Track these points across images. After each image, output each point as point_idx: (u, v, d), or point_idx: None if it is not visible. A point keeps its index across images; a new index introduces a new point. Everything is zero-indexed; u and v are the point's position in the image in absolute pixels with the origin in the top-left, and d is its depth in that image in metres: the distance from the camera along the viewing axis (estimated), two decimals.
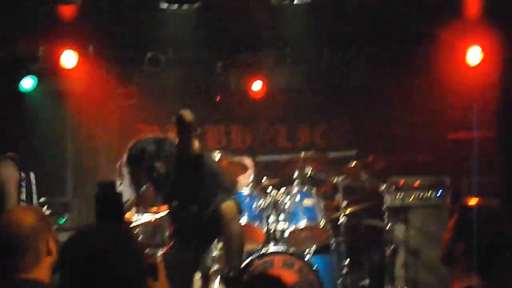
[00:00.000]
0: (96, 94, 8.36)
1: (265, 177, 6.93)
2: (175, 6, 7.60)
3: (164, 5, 7.58)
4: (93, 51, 8.13)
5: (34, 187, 5.72)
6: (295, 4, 6.91)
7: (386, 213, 7.13)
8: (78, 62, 7.91)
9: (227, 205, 5.14)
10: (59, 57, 7.86)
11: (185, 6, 7.59)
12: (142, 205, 6.49)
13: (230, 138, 9.11)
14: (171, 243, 5.32)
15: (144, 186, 6.06)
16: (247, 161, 7.29)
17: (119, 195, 2.37)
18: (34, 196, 5.70)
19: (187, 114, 4.62)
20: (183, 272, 5.21)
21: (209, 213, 5.15)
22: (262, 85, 8.69)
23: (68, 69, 7.92)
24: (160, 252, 5.89)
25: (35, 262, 2.81)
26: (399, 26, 7.92)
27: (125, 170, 5.02)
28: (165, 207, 5.67)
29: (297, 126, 9.21)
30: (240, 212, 5.34)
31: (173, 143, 4.97)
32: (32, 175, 5.71)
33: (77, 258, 2.08)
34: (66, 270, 2.10)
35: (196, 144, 4.85)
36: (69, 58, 7.89)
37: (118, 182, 7.31)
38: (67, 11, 7.49)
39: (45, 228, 2.89)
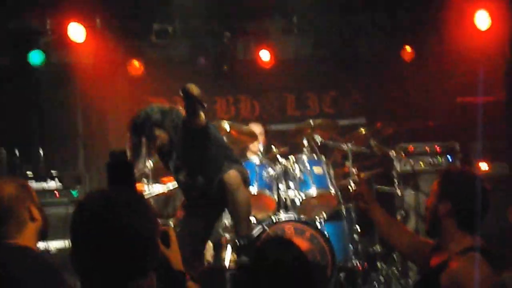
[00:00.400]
0: (104, 67, 8.40)
1: (273, 146, 6.98)
2: None
3: None
4: (100, 24, 8.16)
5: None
6: None
7: (396, 179, 7.14)
8: (86, 36, 7.95)
9: (231, 175, 5.15)
10: (67, 30, 7.89)
11: None
12: (153, 175, 6.63)
13: (238, 108, 9.16)
14: (181, 213, 5.39)
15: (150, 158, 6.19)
16: (257, 128, 7.36)
17: (130, 164, 2.39)
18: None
19: (193, 87, 4.60)
20: (194, 241, 5.27)
21: (216, 184, 5.17)
22: (270, 55, 8.70)
23: (76, 43, 7.97)
24: (171, 222, 5.99)
25: (19, 229, 2.96)
26: None
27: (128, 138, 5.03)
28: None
29: (305, 95, 9.23)
30: (245, 181, 5.31)
31: (179, 114, 5.01)
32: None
33: (90, 217, 2.10)
34: (77, 232, 2.13)
35: (202, 116, 4.88)
36: (76, 31, 7.89)
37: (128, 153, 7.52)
38: None
39: (26, 196, 3.02)
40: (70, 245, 2.14)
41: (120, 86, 8.70)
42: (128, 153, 4.95)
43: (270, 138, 7.83)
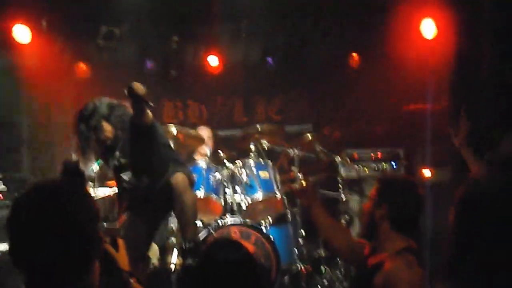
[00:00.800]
0: (50, 69, 8.35)
1: (220, 150, 7.05)
2: None
3: None
4: (46, 26, 8.15)
5: None
6: None
7: (341, 185, 7.25)
8: (31, 37, 7.94)
9: (178, 177, 5.15)
10: (11, 31, 7.87)
11: None
12: (98, 179, 6.65)
13: (186, 113, 9.22)
14: (125, 215, 5.37)
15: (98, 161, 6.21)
16: (205, 132, 7.46)
17: (83, 173, 2.42)
18: None
19: (138, 86, 4.59)
20: (138, 243, 5.25)
21: (161, 185, 5.17)
22: (218, 60, 8.78)
23: (21, 44, 7.95)
24: (117, 225, 6.01)
25: None
26: None
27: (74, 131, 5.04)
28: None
29: (253, 100, 9.32)
30: (192, 184, 5.33)
31: (127, 112, 5.02)
32: None
33: (28, 211, 2.10)
34: (15, 226, 2.13)
35: (149, 115, 4.91)
36: (21, 33, 7.86)
37: (74, 156, 7.47)
38: None
39: None
40: (9, 242, 2.13)
41: (66, 88, 8.64)
42: (76, 146, 5.04)
43: (218, 143, 7.93)
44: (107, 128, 5.04)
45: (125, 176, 5.24)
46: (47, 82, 8.36)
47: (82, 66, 8.67)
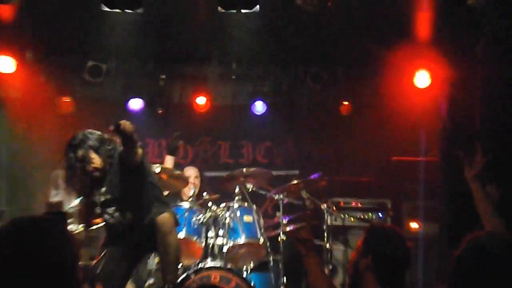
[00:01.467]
0: (34, 102, 8.48)
1: (205, 192, 7.07)
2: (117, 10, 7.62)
3: (105, 8, 7.37)
4: (31, 57, 8.24)
5: None
6: (243, 13, 6.92)
7: (326, 233, 7.23)
8: (16, 68, 8.03)
9: (164, 217, 5.19)
10: None
11: (127, 10, 7.36)
12: (79, 217, 6.55)
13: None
14: (104, 252, 5.34)
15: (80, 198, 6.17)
16: (192, 172, 7.50)
17: (64, 215, 2.44)
18: None
19: (126, 123, 4.62)
20: (114, 281, 5.26)
21: (146, 224, 5.18)
22: (206, 100, 8.89)
23: (5, 75, 8.03)
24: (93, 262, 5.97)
25: None
26: (347, 46, 8.14)
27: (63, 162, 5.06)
28: (100, 219, 5.66)
29: (240, 143, 9.37)
30: (176, 225, 5.38)
31: (116, 147, 5.06)
32: None
33: (5, 246, 2.11)
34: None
35: (139, 152, 4.98)
36: (6, 64, 7.98)
37: (53, 192, 7.41)
38: (4, 12, 7.42)
39: None
40: None
41: (49, 121, 8.66)
42: (64, 174, 5.05)
43: (203, 184, 7.93)
44: (96, 159, 5.04)
45: (110, 210, 5.23)
46: (29, 114, 8.46)
47: (66, 100, 8.71)
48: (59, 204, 6.41)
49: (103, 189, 5.16)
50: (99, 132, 5.14)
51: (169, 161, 7.17)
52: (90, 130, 5.13)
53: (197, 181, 7.63)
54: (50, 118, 8.66)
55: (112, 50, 8.36)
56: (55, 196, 7.47)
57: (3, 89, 8.36)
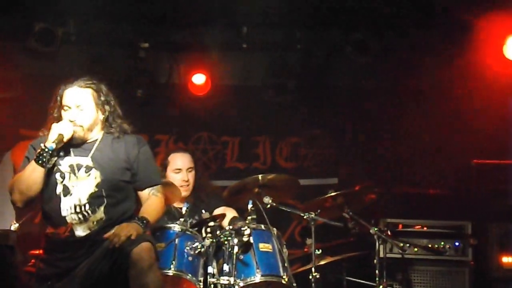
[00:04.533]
0: None
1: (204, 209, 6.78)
2: None
3: None
4: None
5: None
6: None
7: (378, 269, 7.14)
8: None
9: (143, 247, 5.16)
10: None
11: None
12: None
13: (155, 152, 8.92)
14: None
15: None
16: (180, 161, 7.29)
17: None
18: None
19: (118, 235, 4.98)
20: None
21: (113, 258, 5.23)
22: (206, 79, 8.88)
23: None
24: None
25: None
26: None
27: None
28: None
29: (254, 140, 9.42)
30: (157, 258, 5.35)
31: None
32: None
33: None
34: None
35: None
36: None
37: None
38: None
39: None
40: None
41: None
42: None
43: (201, 184, 7.61)
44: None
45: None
46: None
47: (7, 78, 8.65)
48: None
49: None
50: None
51: (179, 157, 7.28)
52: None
53: (191, 178, 7.32)
54: None
55: (70, 8, 8.33)
56: None
57: None
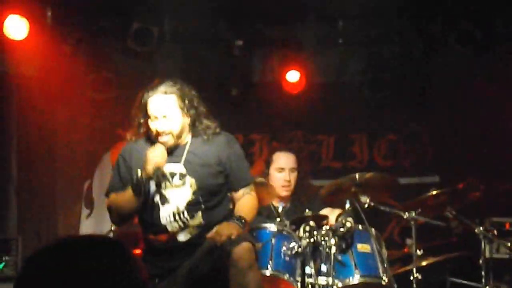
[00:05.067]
0: (55, 81, 8.42)
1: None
2: None
3: None
4: (52, 18, 8.18)
5: None
6: None
7: (484, 270, 6.99)
8: (29, 33, 7.91)
9: (244, 248, 5.19)
10: (1, 24, 7.84)
11: None
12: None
13: (251, 153, 9.14)
14: None
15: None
16: (284, 161, 7.25)
17: None
18: None
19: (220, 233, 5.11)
20: None
21: (214, 257, 5.27)
22: (300, 76, 8.82)
23: (14, 42, 7.95)
24: None
25: None
26: None
27: None
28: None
29: (350, 138, 9.36)
30: (257, 258, 5.41)
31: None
32: None
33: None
34: None
35: None
36: (15, 26, 7.88)
37: (84, 213, 7.25)
38: None
39: None
40: None
41: (77, 110, 8.72)
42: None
43: (302, 186, 7.63)
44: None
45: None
46: (49, 99, 8.46)
47: (103, 78, 8.71)
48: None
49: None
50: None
51: (283, 156, 7.31)
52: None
53: (293, 178, 7.29)
54: (79, 105, 8.69)
55: (166, 7, 8.50)
56: (88, 218, 8.26)
57: (12, 64, 8.33)
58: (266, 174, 7.12)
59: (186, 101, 5.42)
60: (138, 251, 6.56)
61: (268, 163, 7.21)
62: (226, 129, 8.42)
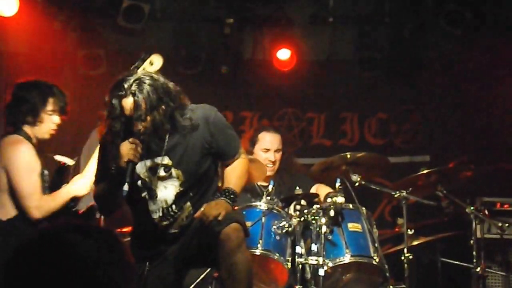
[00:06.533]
0: (46, 57, 8.37)
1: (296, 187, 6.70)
2: None
3: None
4: None
5: None
6: None
7: (475, 251, 6.97)
8: (19, 9, 7.89)
9: (232, 228, 5.06)
10: None
11: None
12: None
13: (242, 130, 8.96)
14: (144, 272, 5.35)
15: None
16: (269, 141, 7.22)
17: None
18: None
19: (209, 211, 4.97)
20: None
21: (202, 238, 5.19)
22: (291, 54, 8.77)
23: (4, 18, 7.94)
24: None
25: None
26: None
27: None
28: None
29: (341, 116, 9.29)
30: (247, 237, 5.28)
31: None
32: None
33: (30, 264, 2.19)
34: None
35: None
36: (6, 3, 7.85)
37: None
38: None
39: None
40: None
41: (66, 88, 8.19)
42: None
43: (288, 163, 7.63)
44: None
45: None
46: (38, 75, 7.88)
47: (93, 55, 8.68)
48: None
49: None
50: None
51: (268, 135, 7.28)
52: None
53: (278, 158, 7.28)
54: (68, 83, 8.33)
55: None
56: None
57: (1, 40, 8.36)
58: (250, 153, 7.02)
59: (153, 100, 5.04)
60: (126, 229, 6.60)
61: (253, 142, 7.15)
62: (217, 106, 8.41)
